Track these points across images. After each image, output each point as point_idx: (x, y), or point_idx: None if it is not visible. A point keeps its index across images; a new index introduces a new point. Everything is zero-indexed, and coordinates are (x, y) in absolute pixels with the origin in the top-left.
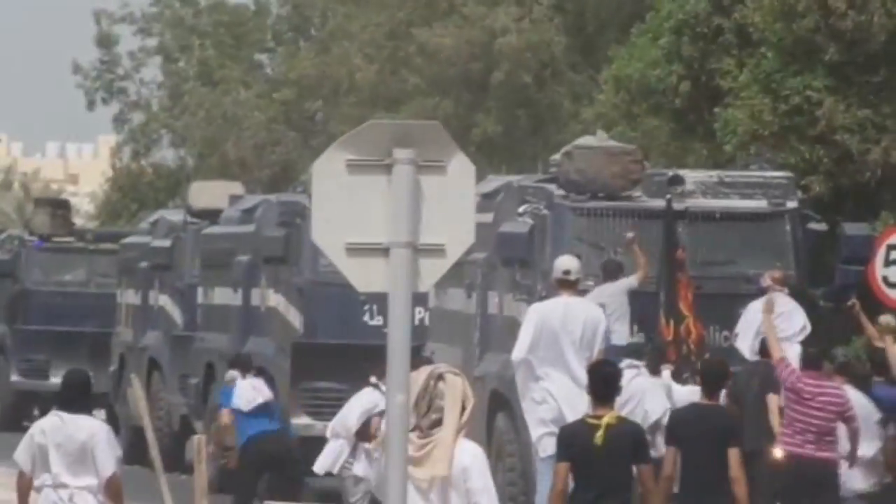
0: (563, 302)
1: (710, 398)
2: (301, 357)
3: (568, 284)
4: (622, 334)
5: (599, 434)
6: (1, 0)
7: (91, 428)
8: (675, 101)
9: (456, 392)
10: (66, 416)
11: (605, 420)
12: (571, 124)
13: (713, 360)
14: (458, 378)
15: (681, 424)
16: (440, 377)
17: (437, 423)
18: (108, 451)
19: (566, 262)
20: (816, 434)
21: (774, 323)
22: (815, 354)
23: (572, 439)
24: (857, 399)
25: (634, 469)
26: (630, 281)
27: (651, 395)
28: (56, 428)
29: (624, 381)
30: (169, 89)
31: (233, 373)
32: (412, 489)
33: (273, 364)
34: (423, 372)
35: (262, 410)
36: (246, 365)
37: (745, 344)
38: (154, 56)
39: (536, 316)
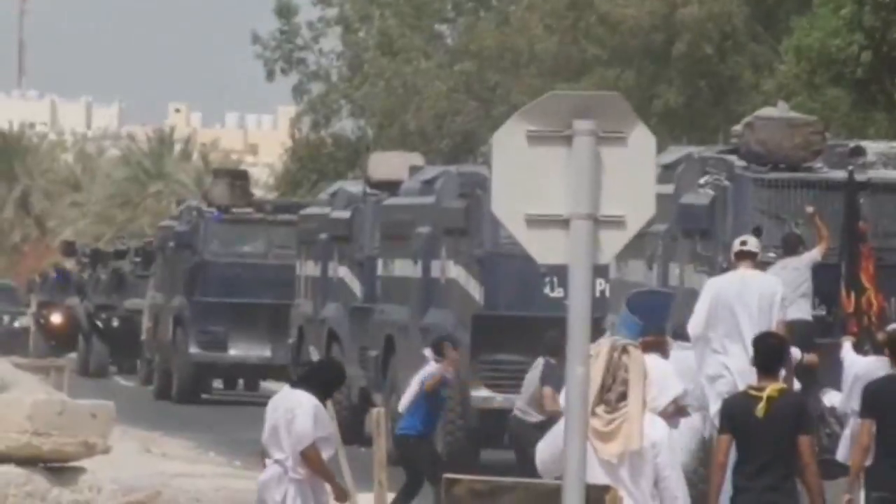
0: (740, 275)
1: None
2: (481, 329)
3: (745, 255)
4: (805, 309)
5: (761, 406)
6: None
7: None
8: (857, 72)
9: (639, 365)
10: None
11: (767, 392)
12: (752, 95)
13: None
14: (639, 350)
15: (878, 395)
16: (624, 349)
17: (623, 396)
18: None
19: (744, 235)
20: None
21: None
22: None
23: (734, 411)
24: None
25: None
26: (813, 255)
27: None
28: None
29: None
30: (348, 59)
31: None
32: (598, 465)
33: (453, 335)
34: (605, 345)
35: None
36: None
37: None
38: (334, 26)
39: (712, 290)
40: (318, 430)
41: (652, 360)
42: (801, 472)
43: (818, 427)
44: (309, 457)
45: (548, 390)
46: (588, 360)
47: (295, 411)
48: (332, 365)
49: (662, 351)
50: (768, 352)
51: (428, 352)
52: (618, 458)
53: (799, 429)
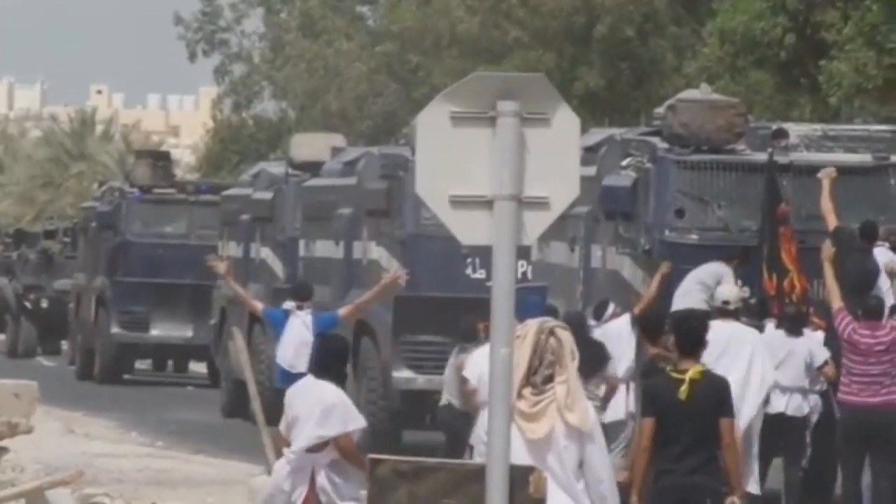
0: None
1: None
2: (403, 310)
3: (727, 314)
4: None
5: (683, 388)
6: None
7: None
8: (780, 54)
9: (568, 346)
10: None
11: (690, 374)
12: (675, 78)
13: None
14: (567, 332)
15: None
16: (551, 332)
17: (549, 378)
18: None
19: (726, 293)
20: (872, 383)
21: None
22: (875, 305)
23: (657, 394)
24: None
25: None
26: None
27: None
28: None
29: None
30: (270, 41)
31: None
32: (523, 445)
33: (375, 317)
34: (532, 326)
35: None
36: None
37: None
38: (256, 7)
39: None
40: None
41: None
42: (723, 454)
43: None
44: (344, 447)
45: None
46: (512, 341)
47: (326, 403)
48: (345, 349)
49: None
50: (690, 334)
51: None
52: (544, 439)
53: (720, 411)
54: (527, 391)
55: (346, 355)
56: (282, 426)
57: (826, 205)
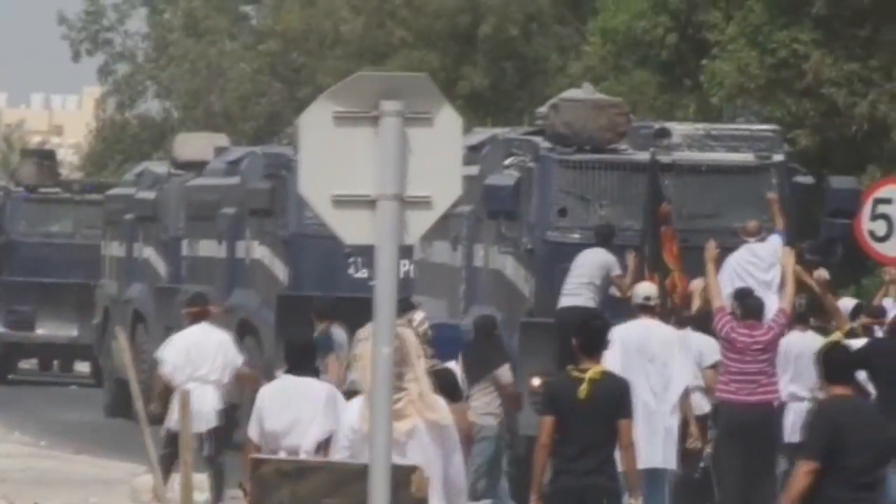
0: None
1: None
2: (286, 309)
3: (648, 310)
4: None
5: (583, 388)
6: None
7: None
8: (662, 54)
9: (412, 345)
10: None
11: (590, 374)
12: (558, 77)
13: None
14: (410, 332)
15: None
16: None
17: (399, 376)
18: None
19: (646, 289)
20: (749, 382)
21: (751, 270)
22: (754, 306)
23: (557, 393)
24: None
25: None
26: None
27: None
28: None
29: None
30: (154, 41)
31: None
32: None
33: (258, 316)
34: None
35: None
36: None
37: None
38: (139, 7)
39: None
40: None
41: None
42: (621, 455)
43: None
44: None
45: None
46: (392, 341)
47: (324, 397)
48: (312, 342)
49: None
50: (593, 334)
51: None
52: (406, 436)
53: (619, 412)
54: None
55: (314, 348)
56: (253, 433)
57: (711, 283)
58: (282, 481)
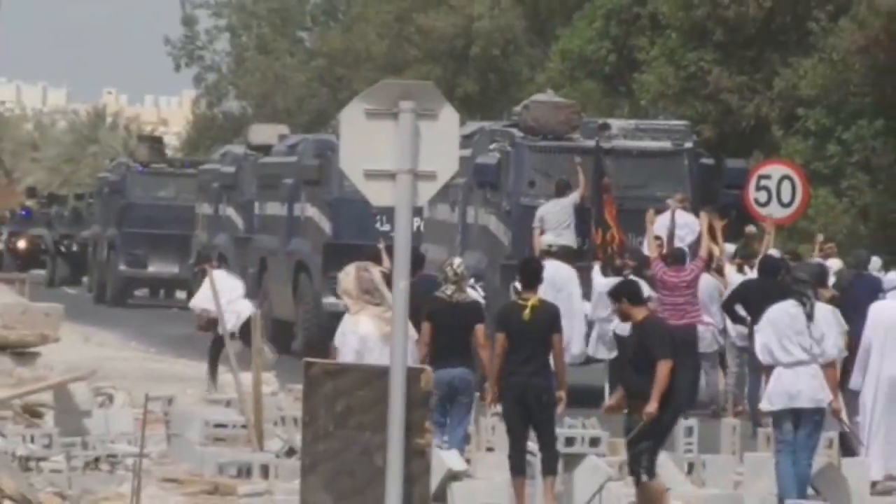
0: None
1: None
2: (330, 253)
3: (551, 254)
4: (569, 237)
5: (527, 312)
6: None
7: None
8: (605, 69)
9: (378, 276)
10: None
11: (531, 302)
12: (528, 85)
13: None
14: (377, 269)
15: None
16: (366, 269)
17: (381, 296)
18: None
19: (549, 239)
20: (678, 310)
21: (678, 232)
22: (678, 254)
23: (507, 316)
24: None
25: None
26: (573, 197)
27: None
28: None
29: None
30: (234, 57)
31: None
32: (383, 343)
33: (310, 258)
34: (352, 268)
35: None
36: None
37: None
38: (224, 32)
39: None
40: None
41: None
42: (554, 361)
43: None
44: None
45: None
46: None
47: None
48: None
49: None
50: (530, 272)
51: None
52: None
53: (552, 329)
54: (370, 307)
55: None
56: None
57: (649, 237)
58: (326, 378)
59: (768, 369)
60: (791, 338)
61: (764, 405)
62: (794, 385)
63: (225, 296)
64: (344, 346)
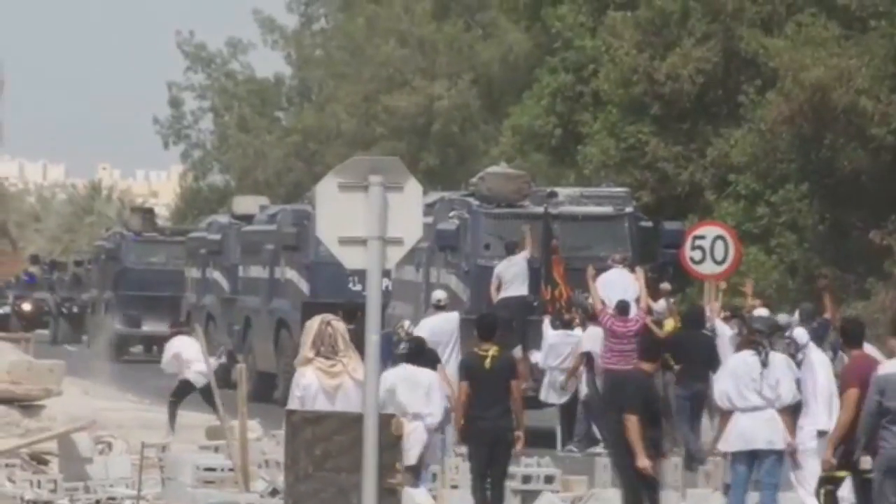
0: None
1: None
2: (308, 311)
3: (440, 307)
4: (522, 289)
5: (488, 361)
6: (103, 78)
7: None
8: (552, 142)
9: (342, 332)
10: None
11: (491, 352)
12: (484, 158)
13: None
14: (341, 322)
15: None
16: (328, 323)
17: (333, 350)
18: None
19: (438, 294)
20: (624, 356)
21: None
22: (623, 306)
23: (470, 365)
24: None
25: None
26: (524, 254)
27: None
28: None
29: None
30: (218, 135)
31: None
32: (323, 394)
33: (289, 315)
34: (316, 320)
35: None
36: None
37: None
38: (208, 113)
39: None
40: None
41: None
42: (513, 406)
43: (531, 375)
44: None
45: None
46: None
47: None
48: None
49: None
50: (486, 325)
51: None
52: (334, 389)
53: (511, 376)
54: (320, 359)
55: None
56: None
57: (593, 291)
58: (306, 425)
59: (726, 414)
60: (748, 385)
61: (721, 446)
62: (750, 429)
63: (192, 359)
64: (290, 395)
